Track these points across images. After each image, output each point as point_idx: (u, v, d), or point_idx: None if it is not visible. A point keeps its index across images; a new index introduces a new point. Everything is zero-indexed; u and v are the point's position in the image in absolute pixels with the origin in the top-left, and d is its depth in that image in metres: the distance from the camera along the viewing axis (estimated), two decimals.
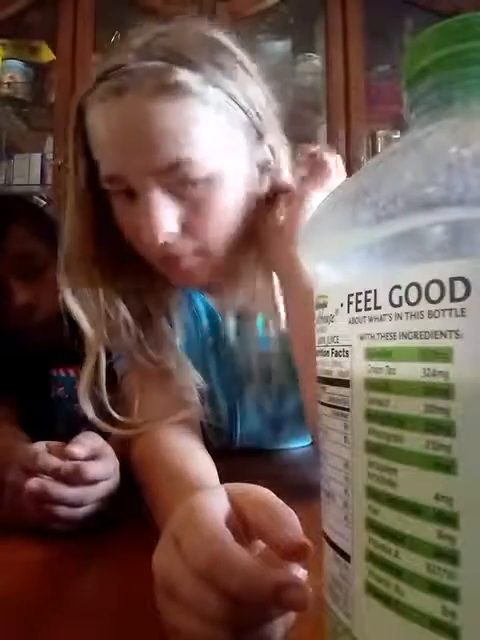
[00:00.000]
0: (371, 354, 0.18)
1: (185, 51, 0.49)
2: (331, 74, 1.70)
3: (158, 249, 0.51)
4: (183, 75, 0.48)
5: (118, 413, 0.55)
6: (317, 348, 0.22)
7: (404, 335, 0.16)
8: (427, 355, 0.16)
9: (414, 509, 0.16)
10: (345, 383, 0.19)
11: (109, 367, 0.58)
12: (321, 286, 0.22)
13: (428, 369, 0.16)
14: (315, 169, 0.54)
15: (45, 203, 1.73)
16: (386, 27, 1.74)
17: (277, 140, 0.58)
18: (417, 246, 0.16)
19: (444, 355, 0.15)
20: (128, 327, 0.57)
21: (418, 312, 0.16)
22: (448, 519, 0.15)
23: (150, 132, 0.47)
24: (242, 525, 0.28)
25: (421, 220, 0.16)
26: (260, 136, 0.55)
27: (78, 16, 1.72)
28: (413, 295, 0.16)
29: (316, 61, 1.78)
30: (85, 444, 0.45)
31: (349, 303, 0.19)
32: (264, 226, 0.56)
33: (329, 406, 0.20)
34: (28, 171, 1.83)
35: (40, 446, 0.45)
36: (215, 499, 0.30)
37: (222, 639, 0.24)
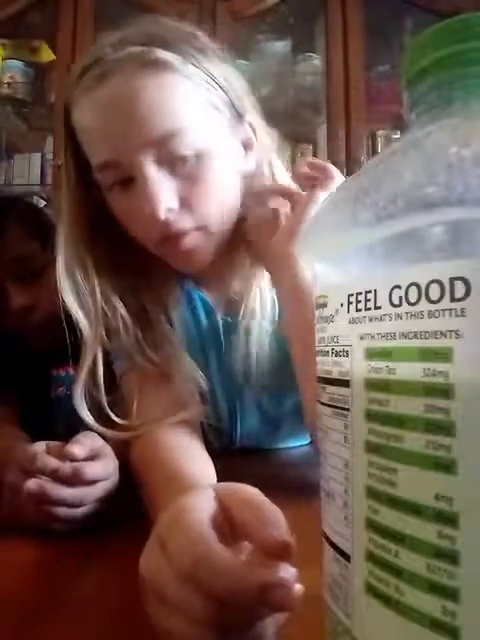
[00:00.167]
0: (371, 354, 0.18)
1: (162, 36, 0.51)
2: (331, 74, 1.70)
3: (158, 229, 0.51)
4: (162, 54, 0.50)
5: (117, 414, 0.55)
6: (317, 348, 0.22)
7: (404, 335, 0.16)
8: (427, 355, 0.16)
9: (414, 509, 0.16)
10: (345, 383, 0.19)
11: (108, 367, 0.58)
12: (321, 286, 0.22)
13: (428, 369, 0.16)
14: (319, 173, 0.54)
15: (45, 203, 1.74)
16: (386, 27, 1.74)
17: (257, 121, 0.60)
18: (417, 246, 0.16)
19: (444, 355, 0.15)
20: (126, 326, 0.57)
21: (418, 312, 0.16)
22: (448, 519, 0.15)
23: (138, 107, 0.49)
24: (229, 525, 0.28)
25: (421, 220, 0.16)
26: (240, 115, 0.57)
27: (78, 16, 1.72)
28: (413, 295, 0.16)
29: (316, 61, 1.78)
30: (84, 444, 0.45)
31: (349, 303, 0.19)
32: (257, 228, 0.56)
33: (329, 406, 0.20)
34: (28, 171, 1.83)
35: (39, 446, 0.45)
36: (201, 500, 0.30)
37: None
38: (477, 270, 0.15)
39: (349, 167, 1.63)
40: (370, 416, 0.18)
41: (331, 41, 1.71)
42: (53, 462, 0.42)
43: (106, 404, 0.55)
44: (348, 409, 0.19)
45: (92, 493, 0.43)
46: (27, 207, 0.81)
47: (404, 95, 0.21)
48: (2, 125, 1.85)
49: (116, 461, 0.48)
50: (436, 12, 1.59)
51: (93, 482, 0.43)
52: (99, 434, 0.51)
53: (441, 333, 0.15)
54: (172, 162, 0.50)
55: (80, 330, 0.55)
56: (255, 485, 0.31)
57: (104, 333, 0.56)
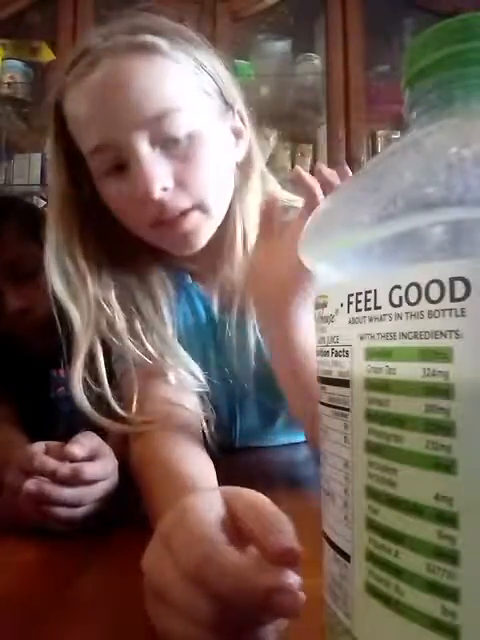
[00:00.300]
0: (371, 354, 0.18)
1: (149, 26, 0.52)
2: (331, 74, 1.70)
3: (152, 210, 0.51)
4: (151, 38, 0.51)
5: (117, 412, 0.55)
6: (317, 348, 0.22)
7: (404, 335, 0.16)
8: (427, 355, 0.16)
9: (414, 509, 0.16)
10: (345, 383, 0.19)
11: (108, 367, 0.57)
12: (321, 286, 0.22)
13: (428, 369, 0.16)
14: (326, 188, 0.51)
15: (45, 203, 1.73)
16: (386, 27, 1.74)
17: (245, 112, 0.60)
18: (417, 246, 0.16)
19: (444, 355, 0.15)
20: (119, 318, 0.57)
21: (418, 312, 0.16)
22: (448, 519, 0.15)
23: (130, 89, 0.49)
24: (236, 530, 0.28)
25: (421, 220, 0.16)
26: (229, 104, 0.57)
27: (78, 16, 1.72)
28: (413, 295, 0.16)
29: (316, 61, 1.78)
30: (84, 444, 0.45)
31: (349, 303, 0.19)
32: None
33: (329, 406, 0.20)
34: (28, 171, 1.83)
35: (38, 447, 0.45)
36: (208, 501, 0.29)
37: None
38: (477, 270, 0.15)
39: (349, 167, 1.62)
40: (370, 416, 0.18)
41: (331, 41, 1.71)
42: (52, 462, 0.42)
43: (111, 397, 0.54)
44: (348, 409, 0.19)
45: (91, 493, 0.43)
46: (25, 208, 0.81)
47: (404, 95, 0.21)
48: (2, 125, 1.85)
49: (115, 461, 0.48)
50: (436, 12, 1.59)
51: (92, 482, 0.43)
52: (99, 426, 0.51)
53: (441, 333, 0.15)
54: (165, 143, 0.51)
55: (71, 320, 0.55)
56: (254, 487, 0.31)
57: (100, 325, 0.56)
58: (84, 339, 0.55)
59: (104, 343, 0.57)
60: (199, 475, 0.43)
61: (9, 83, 1.78)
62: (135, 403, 0.55)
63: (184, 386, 0.57)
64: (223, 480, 0.41)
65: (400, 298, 0.16)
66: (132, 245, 0.58)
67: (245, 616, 0.24)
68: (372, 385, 0.18)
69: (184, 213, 0.53)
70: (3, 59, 1.80)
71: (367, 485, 0.18)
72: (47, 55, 1.83)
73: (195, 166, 0.52)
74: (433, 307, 0.15)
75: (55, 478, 0.41)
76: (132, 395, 0.56)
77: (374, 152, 1.70)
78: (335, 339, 0.20)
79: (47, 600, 0.32)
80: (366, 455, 0.18)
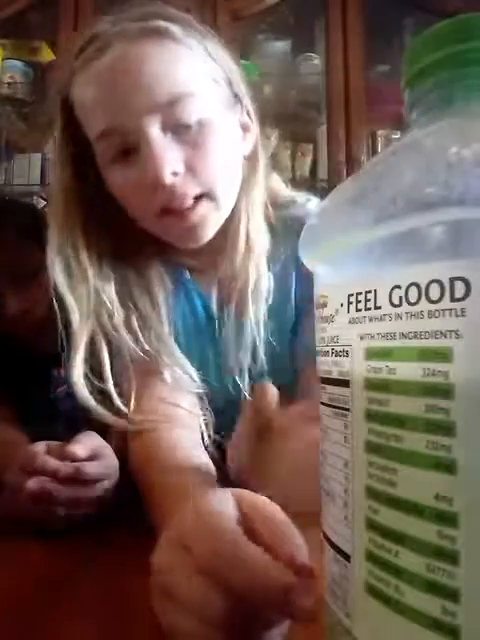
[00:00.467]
0: (371, 354, 0.18)
1: (160, 12, 0.52)
2: (331, 74, 1.69)
3: (162, 196, 0.50)
4: (164, 23, 0.50)
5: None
6: (317, 348, 0.22)
7: (404, 335, 0.16)
8: (427, 355, 0.16)
9: (414, 509, 0.16)
10: (345, 383, 0.19)
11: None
12: (321, 286, 0.22)
13: (428, 369, 0.16)
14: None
15: (45, 203, 1.73)
16: (386, 27, 1.74)
17: (252, 107, 0.60)
18: (417, 246, 0.16)
19: (444, 355, 0.15)
20: (120, 314, 0.57)
21: (418, 312, 0.16)
22: (448, 519, 0.15)
23: (142, 72, 0.49)
24: (250, 530, 0.28)
25: (421, 220, 0.16)
26: (237, 97, 0.57)
27: (78, 16, 1.72)
28: (413, 295, 0.16)
29: (316, 61, 1.78)
30: (85, 444, 0.45)
31: (349, 303, 0.19)
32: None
33: (329, 406, 0.20)
34: (28, 171, 1.83)
35: (39, 446, 0.45)
36: (221, 502, 0.29)
37: None
38: (477, 270, 0.15)
39: (349, 167, 1.62)
40: (370, 416, 0.18)
41: (331, 41, 1.71)
42: (53, 462, 0.42)
43: (113, 392, 0.54)
44: (348, 409, 0.19)
45: (92, 493, 0.43)
46: (24, 209, 0.81)
47: (404, 95, 0.21)
48: (2, 125, 1.85)
49: (116, 461, 0.48)
50: (436, 12, 1.59)
51: (93, 482, 0.43)
52: (101, 432, 0.51)
53: (441, 333, 0.15)
54: (176, 129, 0.50)
55: (69, 312, 0.54)
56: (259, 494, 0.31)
57: (99, 317, 0.55)
58: (82, 331, 0.54)
59: (105, 337, 0.56)
60: (199, 475, 0.43)
61: (9, 83, 1.78)
62: (133, 402, 0.55)
63: (181, 386, 0.57)
64: (222, 480, 0.41)
65: (400, 298, 0.16)
66: (134, 238, 0.58)
67: (255, 615, 0.24)
68: (372, 385, 0.18)
69: (192, 204, 0.52)
70: (3, 59, 1.80)
71: (367, 485, 0.18)
72: (47, 55, 1.83)
73: (205, 153, 0.52)
74: (433, 307, 0.15)
75: (56, 477, 0.41)
76: (130, 393, 0.56)
77: (374, 152, 1.70)
78: (335, 339, 0.20)
79: (47, 600, 0.32)
80: (366, 455, 0.18)
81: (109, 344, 0.56)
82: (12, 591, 0.34)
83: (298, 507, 0.36)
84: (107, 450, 0.48)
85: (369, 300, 0.18)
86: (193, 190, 0.51)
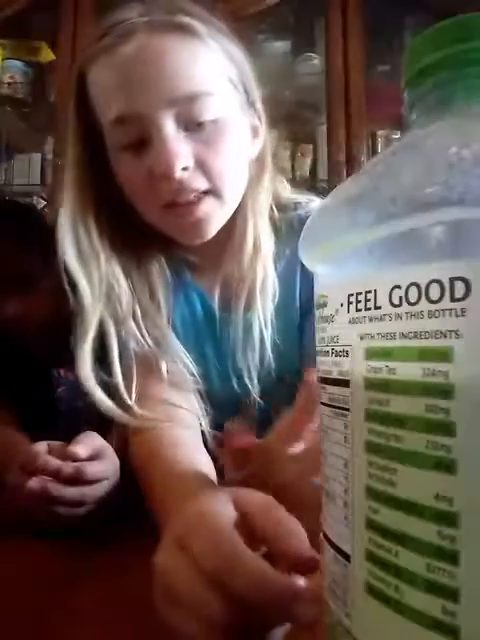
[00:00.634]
0: (371, 354, 0.18)
1: (186, 9, 0.53)
2: (331, 74, 1.69)
3: (170, 189, 0.51)
4: (189, 20, 0.51)
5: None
6: (317, 348, 0.22)
7: (404, 335, 0.16)
8: (427, 355, 0.16)
9: (414, 509, 0.16)
10: (345, 383, 0.19)
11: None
12: (321, 286, 0.22)
13: (428, 369, 0.16)
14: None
15: (45, 203, 1.74)
16: (386, 27, 1.74)
17: (263, 112, 0.60)
18: (417, 246, 0.16)
19: (444, 355, 0.15)
20: (126, 301, 0.57)
21: (418, 312, 0.16)
22: (448, 519, 0.15)
23: (164, 64, 0.49)
24: (247, 532, 0.28)
25: (421, 220, 0.16)
26: (250, 101, 0.58)
27: (78, 16, 1.72)
28: (413, 295, 0.16)
29: (316, 61, 1.78)
30: (86, 444, 0.45)
31: (349, 303, 0.19)
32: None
33: (329, 406, 0.20)
34: (28, 171, 1.83)
35: (41, 446, 0.45)
36: (221, 504, 0.30)
37: None
38: (477, 270, 0.15)
39: (349, 167, 1.62)
40: (370, 416, 0.18)
41: (331, 41, 1.71)
42: (55, 462, 0.42)
43: (120, 383, 0.54)
44: (348, 409, 0.19)
45: (93, 492, 0.43)
46: (24, 211, 0.81)
47: (404, 95, 0.21)
48: (2, 125, 1.85)
49: (117, 461, 0.48)
50: (436, 12, 1.59)
51: (94, 482, 0.43)
52: (102, 432, 0.51)
53: (441, 333, 0.15)
54: (189, 125, 0.51)
55: (80, 294, 0.54)
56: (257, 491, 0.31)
57: (108, 302, 0.56)
58: (93, 315, 0.54)
59: (115, 323, 0.56)
60: (200, 473, 0.43)
61: (9, 83, 1.78)
62: (135, 394, 0.55)
63: (181, 384, 0.57)
64: (221, 479, 0.41)
65: (400, 298, 0.16)
66: (138, 230, 0.58)
67: (255, 616, 0.24)
68: (372, 385, 0.18)
69: (198, 198, 0.52)
70: (3, 59, 1.80)
71: (367, 485, 0.18)
72: (47, 55, 1.83)
73: (216, 151, 0.52)
74: (433, 307, 0.15)
75: (58, 477, 0.41)
76: (132, 390, 0.56)
77: (374, 152, 1.70)
78: (335, 339, 0.20)
79: (47, 600, 0.32)
80: (366, 455, 0.18)
81: (118, 334, 0.56)
82: (12, 591, 0.34)
83: None
84: (108, 450, 0.48)
85: (369, 300, 0.18)
86: (200, 185, 0.52)
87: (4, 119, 1.83)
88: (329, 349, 0.20)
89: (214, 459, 0.48)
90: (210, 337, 0.64)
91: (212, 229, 0.55)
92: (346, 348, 0.19)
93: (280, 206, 0.62)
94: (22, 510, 0.42)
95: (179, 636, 0.25)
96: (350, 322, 0.19)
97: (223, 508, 0.29)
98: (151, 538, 0.30)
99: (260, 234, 0.58)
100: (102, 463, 0.45)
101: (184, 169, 0.50)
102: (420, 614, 0.15)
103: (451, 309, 0.15)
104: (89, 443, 0.46)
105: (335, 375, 0.20)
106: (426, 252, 0.16)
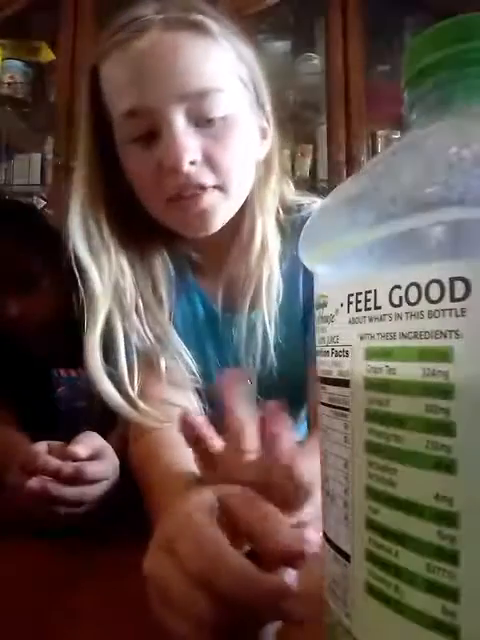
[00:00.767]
0: (371, 354, 0.18)
1: (201, 8, 0.53)
2: (331, 74, 1.69)
3: (177, 182, 0.51)
4: (203, 19, 0.52)
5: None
6: (317, 348, 0.22)
7: (404, 335, 0.16)
8: (427, 355, 0.16)
9: (414, 509, 0.16)
10: (345, 383, 0.19)
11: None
12: (321, 286, 0.22)
13: (428, 369, 0.16)
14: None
15: (45, 203, 1.74)
16: (386, 27, 1.74)
17: (272, 115, 0.61)
18: (417, 246, 0.16)
19: (444, 355, 0.15)
20: (132, 293, 0.57)
21: (418, 312, 0.16)
22: (448, 519, 0.15)
23: (177, 59, 0.50)
24: (230, 528, 0.28)
25: (421, 220, 0.16)
26: (260, 103, 0.58)
27: (78, 16, 1.72)
28: (413, 295, 0.16)
29: (316, 61, 1.78)
30: (86, 444, 0.45)
31: (349, 303, 0.19)
32: None
33: (329, 406, 0.20)
34: (28, 171, 1.83)
35: (41, 446, 0.45)
36: (206, 503, 0.30)
37: None
38: (477, 270, 0.15)
39: (349, 167, 1.62)
40: (370, 416, 0.18)
41: (331, 41, 1.71)
42: (55, 462, 0.42)
43: (126, 377, 0.54)
44: (348, 409, 0.19)
45: (93, 492, 0.43)
46: (24, 211, 0.80)
47: (404, 95, 0.21)
48: (2, 125, 1.85)
49: (117, 461, 0.48)
50: (436, 12, 1.59)
51: (94, 482, 0.43)
52: (102, 432, 0.51)
53: (441, 333, 0.15)
54: (199, 121, 0.51)
55: (90, 283, 0.55)
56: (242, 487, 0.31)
57: (116, 292, 0.56)
58: (102, 305, 0.55)
59: (121, 315, 0.56)
60: (197, 474, 0.43)
61: (9, 83, 1.78)
62: (137, 391, 0.55)
63: (180, 382, 0.57)
64: None
65: (400, 298, 0.16)
66: (144, 224, 0.58)
67: (245, 618, 0.24)
68: (372, 385, 0.18)
69: (203, 191, 0.53)
70: (3, 59, 1.80)
71: (367, 485, 0.18)
72: (47, 55, 1.83)
73: (224, 147, 0.53)
74: (433, 307, 0.15)
75: (58, 477, 0.41)
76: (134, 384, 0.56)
77: (374, 152, 1.70)
78: (335, 339, 0.20)
79: (47, 600, 0.32)
80: (366, 455, 0.18)
81: (123, 328, 0.57)
82: (12, 591, 0.34)
83: None
84: (108, 450, 0.48)
85: (369, 300, 0.18)
86: (207, 181, 0.52)
87: (4, 119, 1.83)
88: (329, 349, 0.20)
89: None
90: (211, 337, 0.64)
91: (216, 222, 0.56)
92: (346, 348, 0.19)
93: (285, 207, 0.63)
94: (22, 510, 0.42)
95: (174, 637, 0.25)
96: (350, 322, 0.19)
97: (207, 507, 0.29)
98: (151, 538, 0.30)
99: (268, 234, 0.59)
100: (102, 463, 0.45)
101: (192, 163, 0.51)
102: (420, 614, 0.15)
103: (451, 309, 0.15)
104: (89, 443, 0.46)
105: (335, 375, 0.20)
106: (426, 252, 0.16)
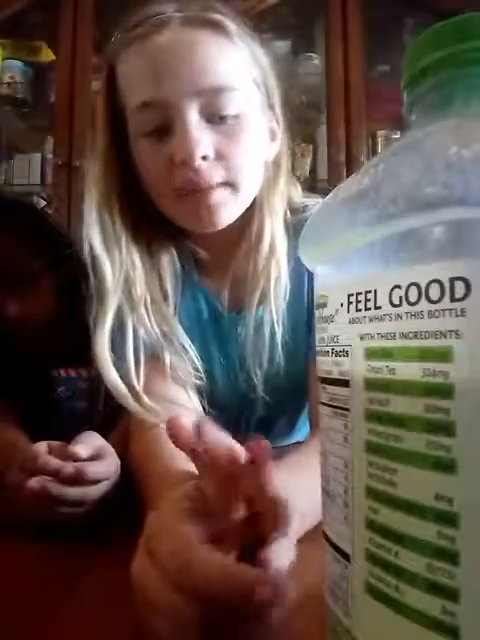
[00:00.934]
0: (371, 354, 0.18)
1: (220, 7, 0.55)
2: (331, 74, 1.69)
3: (187, 177, 0.52)
4: (222, 18, 0.53)
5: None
6: (317, 348, 0.22)
7: (404, 335, 0.16)
8: (427, 355, 0.16)
9: (414, 509, 0.16)
10: (345, 383, 0.19)
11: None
12: (321, 286, 0.22)
13: (428, 369, 0.16)
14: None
15: (45, 203, 1.74)
16: (386, 27, 1.74)
17: (281, 117, 0.61)
18: (417, 246, 0.16)
19: (444, 355, 0.15)
20: (141, 287, 0.57)
21: (418, 312, 0.16)
22: (448, 519, 0.15)
23: (194, 55, 0.51)
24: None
25: (421, 220, 0.16)
26: (270, 104, 0.59)
27: (78, 16, 1.72)
28: (413, 295, 0.16)
29: (316, 61, 1.78)
30: (87, 444, 0.45)
31: (349, 303, 0.19)
32: None
33: (329, 406, 0.20)
34: (28, 171, 1.83)
35: (41, 446, 0.45)
36: (179, 498, 0.30)
37: None
38: (477, 270, 0.15)
39: (349, 167, 1.62)
40: (370, 416, 0.18)
41: (331, 41, 1.71)
42: (56, 462, 0.42)
43: (133, 374, 0.54)
44: (348, 409, 0.19)
45: (94, 492, 0.43)
46: (25, 209, 0.80)
47: (404, 95, 0.21)
48: (2, 125, 1.85)
49: (118, 461, 0.48)
50: (436, 12, 1.59)
51: (95, 482, 0.43)
52: (102, 432, 0.51)
53: (441, 333, 0.15)
54: (212, 117, 0.52)
55: (102, 274, 0.55)
56: None
57: (126, 286, 0.56)
58: (114, 296, 0.56)
59: (130, 308, 0.57)
60: (195, 473, 0.42)
61: (9, 83, 1.78)
62: (141, 388, 0.55)
63: (183, 380, 0.57)
64: None
65: (400, 298, 0.16)
66: (153, 218, 0.59)
67: (229, 615, 0.24)
68: (372, 385, 0.18)
69: (213, 185, 0.53)
70: (3, 59, 1.80)
71: (367, 485, 0.18)
72: (47, 55, 1.83)
73: (235, 144, 0.53)
74: (433, 307, 0.15)
75: (58, 477, 0.41)
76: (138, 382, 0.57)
77: (374, 152, 1.70)
78: (335, 339, 0.20)
79: (47, 600, 0.32)
80: (366, 455, 0.18)
81: (132, 319, 0.57)
82: (12, 591, 0.34)
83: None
84: (109, 450, 0.48)
85: (369, 300, 0.18)
86: (217, 176, 0.53)
87: (4, 119, 1.83)
88: (329, 349, 0.20)
89: None
90: (216, 337, 0.65)
91: (224, 218, 0.56)
92: (346, 348, 0.19)
93: (292, 208, 0.63)
94: (22, 510, 0.42)
95: (157, 638, 0.25)
96: (350, 322, 0.19)
97: (181, 502, 0.29)
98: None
99: (276, 234, 0.60)
100: (103, 463, 0.45)
101: (204, 158, 0.51)
102: (420, 614, 0.15)
103: (451, 309, 0.15)
104: (90, 443, 0.46)
105: (335, 375, 0.20)
106: (426, 252, 0.16)
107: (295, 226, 0.61)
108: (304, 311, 0.62)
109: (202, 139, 0.51)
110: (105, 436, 0.51)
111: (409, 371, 0.16)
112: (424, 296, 0.16)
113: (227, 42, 0.53)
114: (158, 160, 0.53)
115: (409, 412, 0.16)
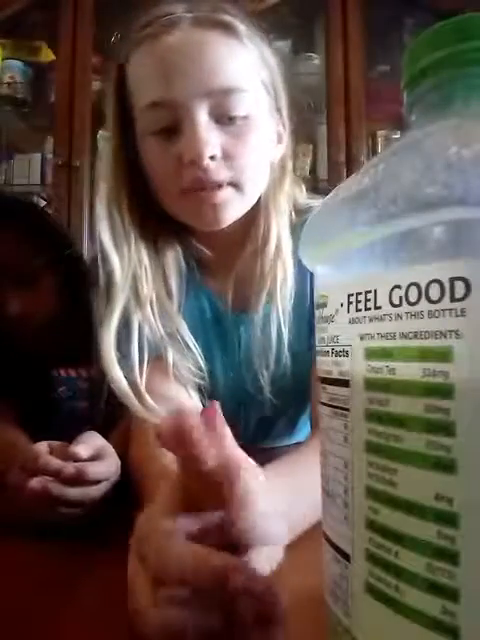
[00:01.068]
0: (371, 354, 0.18)
1: (231, 9, 0.55)
2: (331, 74, 1.69)
3: (194, 176, 0.52)
4: (233, 20, 0.54)
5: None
6: (317, 348, 0.22)
7: (404, 335, 0.16)
8: (427, 355, 0.16)
9: (414, 509, 0.16)
10: (345, 383, 0.19)
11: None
12: (321, 286, 0.22)
13: (428, 369, 0.16)
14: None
15: (45, 203, 1.74)
16: (386, 27, 1.74)
17: (288, 120, 0.62)
18: (417, 246, 0.16)
19: (444, 355, 0.15)
20: (149, 284, 0.58)
21: (418, 312, 0.16)
22: (448, 519, 0.15)
23: (204, 56, 0.51)
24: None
25: (421, 220, 0.16)
26: (278, 107, 0.60)
27: (78, 16, 1.72)
28: (413, 295, 0.16)
29: (316, 61, 1.78)
30: (88, 444, 0.45)
31: (349, 303, 0.19)
32: None
33: (329, 406, 0.20)
34: (28, 171, 1.83)
35: (42, 446, 0.45)
36: (161, 498, 0.30)
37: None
38: (477, 270, 0.15)
39: (349, 167, 1.62)
40: (370, 416, 0.18)
41: (331, 41, 1.71)
42: (56, 462, 0.42)
43: (137, 373, 0.55)
44: (348, 409, 0.19)
45: (94, 493, 0.43)
46: (26, 208, 0.80)
47: (404, 95, 0.21)
48: (2, 125, 1.85)
49: (118, 461, 0.48)
50: (436, 12, 1.59)
51: (96, 482, 0.43)
52: (103, 432, 0.51)
53: (441, 333, 0.15)
54: (220, 118, 0.53)
55: (111, 271, 0.56)
56: None
57: (134, 283, 0.57)
58: (122, 293, 0.56)
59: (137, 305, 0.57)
60: None
61: (9, 83, 1.78)
62: (143, 387, 0.55)
63: (185, 379, 0.57)
64: None
65: (400, 298, 0.16)
66: (159, 216, 0.59)
67: (222, 623, 0.24)
68: (372, 385, 0.18)
69: (219, 185, 0.54)
70: (3, 59, 1.80)
71: (367, 485, 0.18)
72: (47, 55, 1.83)
73: (243, 145, 0.54)
74: (433, 307, 0.15)
75: (59, 478, 0.41)
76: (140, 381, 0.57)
77: (374, 152, 1.70)
78: (335, 339, 0.20)
79: (47, 600, 0.32)
80: (366, 455, 0.18)
81: (138, 316, 0.57)
82: (12, 591, 0.34)
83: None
84: (109, 450, 0.48)
85: (369, 300, 0.18)
86: (223, 176, 0.53)
87: (4, 119, 1.83)
88: (329, 349, 0.20)
89: None
90: (218, 338, 0.65)
91: (228, 217, 0.56)
92: (346, 348, 0.19)
93: (297, 210, 0.64)
94: (23, 510, 0.42)
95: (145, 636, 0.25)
96: (350, 322, 0.19)
97: (166, 498, 0.30)
98: None
99: (282, 235, 0.60)
100: (104, 463, 0.45)
101: (212, 158, 0.52)
102: (420, 614, 0.15)
103: (451, 309, 0.15)
104: (91, 443, 0.46)
105: (335, 375, 0.20)
106: (426, 252, 0.16)
107: (300, 227, 0.61)
108: (307, 311, 0.63)
109: (211, 139, 0.51)
110: (105, 436, 0.51)
111: (409, 371, 0.16)
112: (424, 296, 0.16)
113: (237, 43, 0.53)
114: (166, 159, 0.54)
115: (409, 412, 0.16)
